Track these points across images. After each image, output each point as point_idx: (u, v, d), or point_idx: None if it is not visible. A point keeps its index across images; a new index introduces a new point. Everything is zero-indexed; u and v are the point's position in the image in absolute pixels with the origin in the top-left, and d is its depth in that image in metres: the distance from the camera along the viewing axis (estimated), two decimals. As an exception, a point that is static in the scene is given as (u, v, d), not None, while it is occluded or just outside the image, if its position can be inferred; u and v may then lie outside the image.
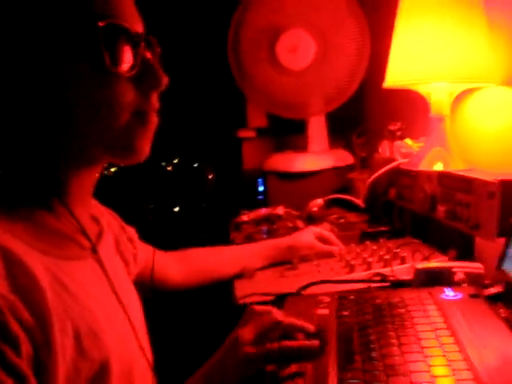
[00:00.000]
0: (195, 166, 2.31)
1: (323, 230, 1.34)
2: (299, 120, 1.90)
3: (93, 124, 0.62)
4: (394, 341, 0.71)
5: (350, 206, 1.65)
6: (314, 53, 1.67)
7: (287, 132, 2.03)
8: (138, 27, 0.65)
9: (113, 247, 0.83)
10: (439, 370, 0.61)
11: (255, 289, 1.07)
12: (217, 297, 1.21)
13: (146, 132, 0.67)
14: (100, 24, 0.59)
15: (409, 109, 1.53)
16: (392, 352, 0.67)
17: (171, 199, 2.26)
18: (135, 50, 0.63)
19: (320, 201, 1.60)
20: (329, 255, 1.24)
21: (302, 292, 1.02)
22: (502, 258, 0.88)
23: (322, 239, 1.28)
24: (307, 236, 1.27)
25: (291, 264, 1.20)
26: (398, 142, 1.43)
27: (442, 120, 1.24)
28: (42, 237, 0.62)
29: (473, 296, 0.86)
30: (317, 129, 1.88)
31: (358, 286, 1.04)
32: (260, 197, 1.95)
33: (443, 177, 1.18)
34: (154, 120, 0.68)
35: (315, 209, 1.60)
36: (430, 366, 0.62)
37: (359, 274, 1.11)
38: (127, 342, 0.72)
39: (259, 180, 1.95)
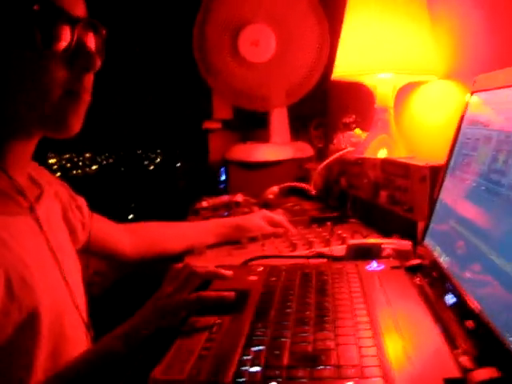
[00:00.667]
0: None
1: (275, 214, 1.39)
2: (263, 113, 1.95)
3: (26, 98, 0.69)
4: (310, 300, 0.76)
5: (306, 196, 1.70)
6: (275, 46, 1.73)
7: (251, 125, 2.09)
8: (79, 11, 0.71)
9: (58, 212, 0.88)
10: (343, 330, 0.66)
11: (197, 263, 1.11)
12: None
13: (77, 109, 0.73)
14: (35, 7, 0.65)
15: (361, 102, 1.59)
16: (304, 309, 0.72)
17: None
18: (71, 31, 0.69)
19: (275, 188, 1.65)
20: (275, 236, 1.29)
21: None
22: (424, 233, 0.94)
23: (272, 222, 1.33)
24: (257, 218, 1.32)
25: (239, 244, 1.25)
26: (349, 133, 1.49)
27: (386, 111, 1.31)
28: None
29: (394, 267, 0.91)
30: (279, 121, 1.93)
31: (297, 261, 1.09)
32: (221, 185, 2.00)
33: (386, 164, 1.24)
34: (86, 99, 0.74)
35: (271, 196, 1.65)
36: (336, 325, 0.67)
37: (300, 252, 1.16)
38: (59, 295, 0.76)
39: (221, 169, 2.00)
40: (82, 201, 1.00)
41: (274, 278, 0.88)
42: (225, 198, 1.74)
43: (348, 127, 1.65)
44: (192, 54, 1.88)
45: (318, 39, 1.74)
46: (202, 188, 1.99)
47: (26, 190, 0.77)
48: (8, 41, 0.66)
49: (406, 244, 1.03)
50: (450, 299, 0.71)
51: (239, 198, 1.72)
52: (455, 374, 0.53)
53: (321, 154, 1.79)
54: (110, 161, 4.20)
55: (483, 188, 0.72)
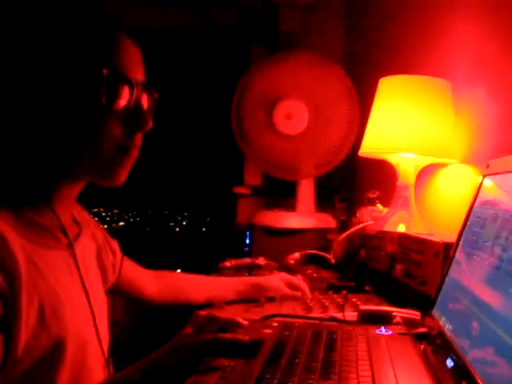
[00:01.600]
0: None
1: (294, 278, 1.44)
2: (291, 182, 2.05)
3: (83, 150, 0.79)
4: (318, 354, 0.81)
5: (325, 265, 1.75)
6: (307, 121, 1.85)
7: (279, 192, 2.18)
8: (138, 75, 0.82)
9: (92, 252, 0.96)
10: (346, 381, 0.70)
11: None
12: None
13: (125, 164, 0.82)
14: (105, 70, 0.76)
15: (384, 179, 1.67)
16: (312, 366, 0.77)
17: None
18: (130, 93, 0.79)
19: (297, 254, 1.71)
20: (292, 298, 1.34)
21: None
22: (433, 305, 0.98)
23: (291, 285, 1.38)
24: (276, 279, 1.38)
25: (257, 302, 1.30)
26: (371, 207, 1.56)
27: (407, 188, 1.38)
28: (24, 226, 0.76)
29: (401, 334, 0.96)
30: (306, 192, 2.02)
31: (311, 322, 1.14)
32: (246, 248, 2.07)
33: (403, 238, 1.30)
34: (135, 155, 0.83)
35: (292, 261, 1.71)
36: (340, 377, 0.72)
37: (315, 314, 1.21)
38: (85, 328, 0.83)
39: (247, 233, 2.08)
40: (115, 244, 1.09)
41: (287, 333, 0.93)
42: (247, 260, 1.80)
43: (371, 202, 1.72)
44: (229, 124, 2.01)
45: (348, 117, 1.85)
46: (227, 250, 2.07)
47: (67, 228, 0.86)
48: (74, 97, 0.76)
49: (415, 314, 1.07)
50: (449, 362, 0.75)
51: (261, 261, 1.78)
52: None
53: (343, 226, 1.85)
54: (137, 219, 4.32)
55: (486, 262, 0.78)
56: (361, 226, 1.48)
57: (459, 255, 0.94)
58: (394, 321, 1.05)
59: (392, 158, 1.42)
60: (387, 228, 1.39)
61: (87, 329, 0.84)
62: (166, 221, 4.06)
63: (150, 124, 0.82)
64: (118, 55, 0.79)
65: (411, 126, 1.33)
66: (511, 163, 0.87)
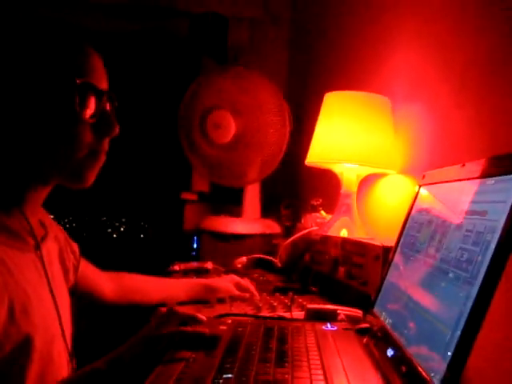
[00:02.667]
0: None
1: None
2: (237, 189, 2.12)
3: (55, 154, 0.84)
4: (272, 346, 0.88)
5: (271, 269, 1.83)
6: (234, 131, 1.93)
7: (226, 199, 2.24)
8: (104, 84, 0.88)
9: (56, 253, 1.00)
10: (299, 369, 0.78)
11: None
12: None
13: (94, 167, 0.88)
14: (78, 81, 0.81)
15: (328, 187, 1.77)
16: (267, 356, 0.84)
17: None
18: (99, 102, 0.85)
19: (244, 259, 1.78)
20: (241, 300, 1.41)
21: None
22: (374, 303, 1.07)
23: (239, 287, 1.45)
24: (226, 281, 1.44)
25: (208, 303, 1.36)
26: (315, 214, 1.65)
27: (350, 195, 1.48)
28: None
29: (346, 329, 1.04)
30: (252, 198, 2.10)
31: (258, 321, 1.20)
32: (193, 253, 2.12)
33: (345, 242, 1.39)
34: (103, 158, 0.89)
35: (239, 265, 1.78)
36: (294, 365, 0.79)
37: (264, 314, 1.28)
38: (51, 325, 0.87)
39: (194, 238, 2.13)
40: (75, 246, 1.12)
41: (240, 329, 1.00)
42: (195, 264, 1.86)
43: (315, 209, 1.82)
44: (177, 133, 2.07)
45: (278, 127, 1.92)
46: (173, 254, 2.11)
47: (35, 231, 0.89)
48: (47, 105, 0.81)
49: (357, 311, 1.16)
50: (389, 352, 0.84)
51: (209, 265, 1.84)
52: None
53: (288, 232, 1.94)
54: (74, 224, 4.24)
55: (422, 262, 0.87)
56: (306, 231, 1.57)
57: (397, 257, 1.04)
58: (339, 318, 1.14)
59: (336, 168, 1.52)
60: (331, 233, 1.48)
61: (53, 325, 0.87)
62: (105, 227, 4.02)
63: (117, 129, 0.88)
64: (86, 66, 0.84)
65: (354, 138, 1.42)
66: (443, 175, 0.98)
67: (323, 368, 0.78)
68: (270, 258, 1.78)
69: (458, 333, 0.63)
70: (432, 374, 0.66)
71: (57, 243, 1.02)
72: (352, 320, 1.14)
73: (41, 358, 0.81)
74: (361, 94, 1.45)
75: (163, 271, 1.79)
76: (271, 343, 0.90)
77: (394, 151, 1.42)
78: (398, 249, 1.06)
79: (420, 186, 1.06)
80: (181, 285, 1.40)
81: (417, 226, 0.99)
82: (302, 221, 1.80)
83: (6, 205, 0.84)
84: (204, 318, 0.94)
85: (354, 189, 1.48)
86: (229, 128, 1.95)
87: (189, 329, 0.87)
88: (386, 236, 1.40)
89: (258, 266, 1.84)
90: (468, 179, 0.82)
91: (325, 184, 1.86)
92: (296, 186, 2.28)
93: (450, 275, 0.73)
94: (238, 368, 0.76)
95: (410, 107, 1.43)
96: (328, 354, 0.86)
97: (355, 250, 1.33)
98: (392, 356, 0.83)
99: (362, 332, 1.03)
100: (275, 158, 1.97)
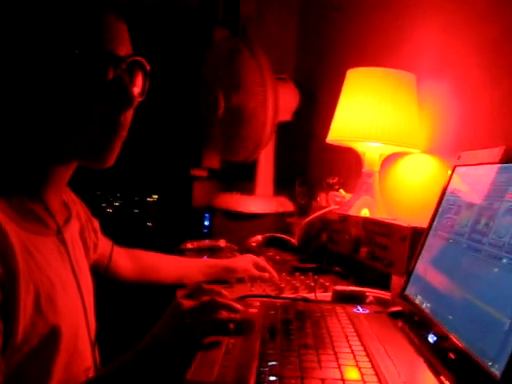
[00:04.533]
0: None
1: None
2: (248, 166, 2.08)
3: (66, 132, 0.76)
4: (308, 331, 0.86)
5: (285, 248, 1.81)
6: (223, 105, 1.89)
7: (237, 176, 2.21)
8: (123, 50, 0.78)
9: (77, 232, 0.96)
10: (346, 363, 0.75)
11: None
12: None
13: (111, 145, 0.79)
14: (84, 48, 0.73)
15: (344, 166, 1.74)
16: (307, 342, 0.81)
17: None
18: (114, 71, 0.76)
19: (259, 237, 1.75)
20: (261, 280, 1.39)
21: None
22: (405, 285, 1.05)
23: (258, 266, 1.42)
24: (244, 261, 1.42)
25: (227, 284, 1.34)
26: (334, 192, 1.62)
27: (372, 175, 1.45)
28: (17, 213, 0.75)
29: (377, 312, 1.02)
30: (265, 175, 2.06)
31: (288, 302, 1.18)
32: (205, 230, 2.09)
33: (367, 222, 1.37)
34: (122, 134, 0.80)
35: (254, 244, 1.75)
36: (335, 351, 0.77)
37: (287, 295, 1.26)
38: (77, 314, 0.84)
39: (206, 215, 2.10)
40: (96, 223, 1.09)
41: (272, 312, 0.98)
42: (208, 242, 1.83)
43: (331, 187, 1.79)
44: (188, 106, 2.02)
45: (263, 101, 1.87)
46: (185, 231, 2.08)
47: (56, 213, 0.85)
48: (56, 78, 0.73)
49: (386, 294, 1.14)
50: (431, 337, 0.82)
51: (222, 243, 1.81)
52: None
53: (303, 210, 1.91)
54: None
55: (465, 245, 0.85)
56: (326, 210, 1.54)
57: (432, 240, 1.02)
58: (367, 300, 1.12)
59: (358, 146, 1.49)
60: (351, 212, 1.45)
61: (78, 313, 0.84)
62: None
63: (135, 102, 0.79)
64: (98, 30, 0.75)
65: (377, 116, 1.39)
66: (484, 157, 0.95)
67: (368, 355, 0.76)
68: (287, 236, 1.75)
69: (521, 322, 0.61)
70: (490, 363, 0.64)
71: (78, 221, 0.98)
72: (380, 302, 1.12)
73: (67, 349, 0.78)
74: (385, 70, 1.41)
75: (176, 249, 1.76)
76: (307, 327, 0.88)
77: (419, 130, 1.39)
78: (432, 231, 1.03)
79: (455, 167, 1.04)
80: (198, 264, 1.37)
81: (455, 208, 0.96)
82: (318, 199, 1.77)
83: (25, 188, 0.79)
84: (241, 307, 0.90)
85: (377, 168, 1.45)
86: (219, 103, 1.91)
87: (223, 315, 0.83)
88: (408, 216, 1.38)
89: (272, 245, 1.82)
90: (518, 161, 0.79)
91: (341, 162, 1.83)
92: (311, 164, 2.24)
93: (504, 261, 0.71)
94: (281, 355, 0.74)
95: (436, 84, 1.39)
96: (368, 340, 0.83)
97: (379, 230, 1.31)
98: (435, 342, 0.81)
99: (394, 315, 1.01)
100: (263, 134, 1.91)
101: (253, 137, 1.90)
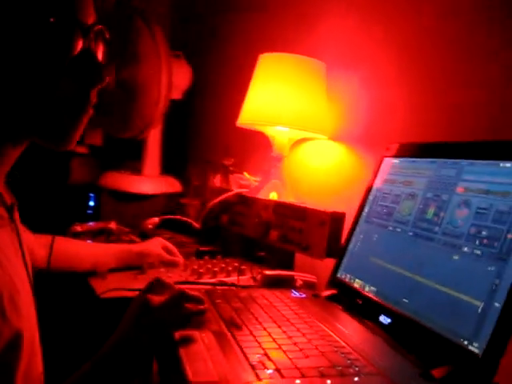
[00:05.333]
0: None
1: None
2: (132, 143, 1.99)
3: (32, 108, 0.66)
4: (267, 319, 0.87)
5: (182, 230, 1.77)
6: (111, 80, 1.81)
7: (120, 154, 2.11)
8: (90, 18, 0.69)
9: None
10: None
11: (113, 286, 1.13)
12: (75, 292, 1.24)
13: (78, 124, 0.71)
14: (52, 19, 0.64)
15: (242, 147, 1.76)
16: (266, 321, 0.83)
17: None
18: (83, 42, 0.67)
19: (156, 219, 1.70)
20: (173, 265, 1.36)
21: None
22: (337, 269, 1.11)
23: (167, 250, 1.39)
24: (156, 245, 1.37)
25: (141, 270, 1.29)
26: (237, 175, 1.63)
27: (281, 159, 1.48)
28: None
29: (315, 296, 1.07)
30: (152, 155, 2.00)
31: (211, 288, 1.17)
32: (90, 211, 1.97)
33: (278, 206, 1.40)
34: (89, 113, 0.72)
35: (150, 226, 1.70)
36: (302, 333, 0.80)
37: (207, 280, 1.25)
38: (33, 313, 0.75)
39: (90, 195, 1.98)
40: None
41: (219, 300, 0.96)
42: (99, 224, 1.73)
43: (226, 169, 1.80)
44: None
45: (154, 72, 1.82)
46: (68, 212, 1.94)
47: (5, 199, 0.75)
48: (21, 49, 0.64)
49: (312, 277, 1.19)
50: (384, 319, 0.88)
51: (113, 225, 1.73)
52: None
53: (197, 191, 1.89)
54: None
55: (411, 234, 0.92)
56: (234, 192, 1.55)
57: (365, 226, 1.08)
58: (297, 284, 1.15)
59: (268, 130, 1.51)
60: (260, 196, 1.47)
61: (33, 312, 0.76)
62: None
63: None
64: None
65: (287, 101, 1.41)
66: (408, 149, 1.03)
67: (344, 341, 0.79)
68: (188, 219, 1.72)
69: (497, 304, 0.68)
70: (465, 343, 0.71)
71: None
72: (308, 286, 1.17)
73: (27, 353, 0.69)
74: (295, 56, 1.44)
75: (64, 232, 1.64)
76: (261, 315, 0.89)
77: (327, 117, 1.45)
78: (364, 218, 1.09)
79: (383, 157, 1.10)
80: (111, 251, 1.30)
81: (391, 198, 1.03)
82: (215, 180, 1.77)
83: None
84: (203, 298, 0.87)
85: (286, 152, 1.48)
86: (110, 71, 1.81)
87: (193, 309, 0.81)
88: (315, 200, 1.44)
89: (167, 227, 1.78)
90: (466, 158, 0.87)
91: (237, 143, 1.84)
92: (205, 145, 2.21)
93: (465, 249, 0.78)
94: (260, 345, 0.74)
95: (345, 74, 1.45)
96: (327, 324, 0.87)
97: (292, 214, 1.34)
98: (390, 324, 0.87)
99: (330, 299, 1.06)
100: (155, 110, 1.85)
101: (144, 113, 1.82)
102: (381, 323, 0.89)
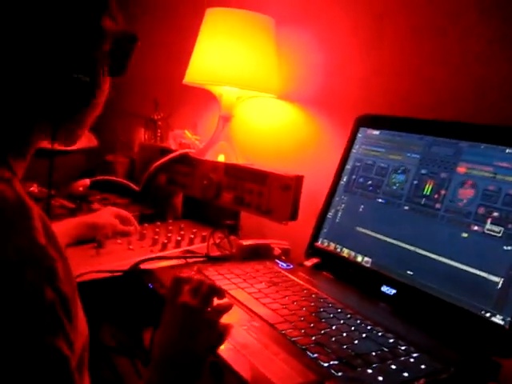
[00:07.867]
0: None
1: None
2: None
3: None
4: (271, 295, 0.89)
5: (109, 190, 1.68)
6: None
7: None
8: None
9: None
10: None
11: (76, 267, 1.06)
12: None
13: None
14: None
15: (176, 101, 1.68)
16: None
17: None
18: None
19: (87, 181, 1.59)
20: (128, 234, 1.30)
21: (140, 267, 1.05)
22: (316, 237, 1.14)
23: (120, 218, 1.32)
24: (107, 215, 1.30)
25: (96, 243, 1.21)
26: (177, 132, 1.57)
27: (229, 119, 1.45)
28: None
29: (300, 265, 1.09)
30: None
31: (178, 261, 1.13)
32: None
33: (231, 168, 1.38)
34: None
35: (81, 189, 1.59)
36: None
37: (172, 251, 1.22)
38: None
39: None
40: None
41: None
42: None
43: (155, 123, 1.72)
44: None
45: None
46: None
47: None
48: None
49: (285, 243, 1.21)
50: (388, 290, 0.94)
51: (34, 188, 1.59)
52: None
53: (123, 147, 1.78)
54: None
55: (407, 208, 0.97)
56: (181, 151, 1.48)
57: (345, 196, 1.11)
58: (276, 253, 1.16)
59: (215, 90, 1.44)
60: (208, 157, 1.43)
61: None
62: None
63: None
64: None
65: (235, 59, 1.36)
66: (390, 122, 1.07)
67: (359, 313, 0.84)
68: (125, 181, 1.62)
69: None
70: (487, 315, 0.79)
71: None
72: (284, 253, 1.19)
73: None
74: (243, 11, 1.37)
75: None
76: (266, 292, 0.90)
77: (276, 76, 1.42)
78: (341, 187, 1.12)
79: (359, 127, 1.13)
80: (62, 227, 1.20)
81: (375, 169, 1.06)
82: (144, 136, 1.68)
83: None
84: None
85: (233, 112, 1.44)
86: None
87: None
88: (263, 162, 1.44)
89: (96, 189, 1.67)
90: (465, 140, 0.92)
91: (171, 98, 1.75)
92: (130, 97, 2.05)
93: (476, 228, 0.85)
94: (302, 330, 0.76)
95: (296, 31, 1.42)
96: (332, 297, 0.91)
97: (248, 176, 1.33)
98: (395, 294, 0.93)
99: (315, 267, 1.10)
100: None
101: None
102: (383, 293, 0.94)
